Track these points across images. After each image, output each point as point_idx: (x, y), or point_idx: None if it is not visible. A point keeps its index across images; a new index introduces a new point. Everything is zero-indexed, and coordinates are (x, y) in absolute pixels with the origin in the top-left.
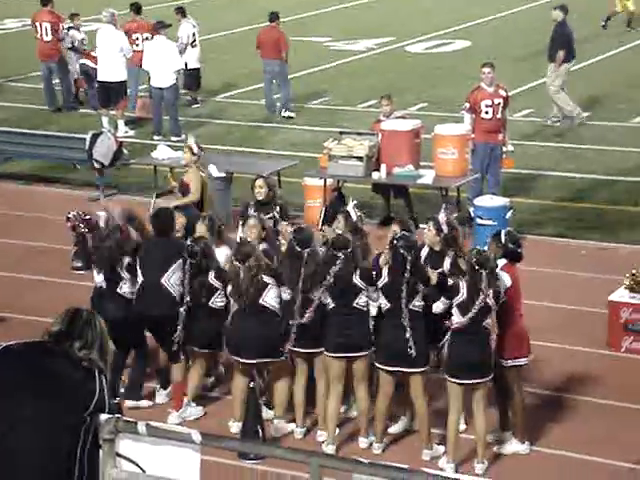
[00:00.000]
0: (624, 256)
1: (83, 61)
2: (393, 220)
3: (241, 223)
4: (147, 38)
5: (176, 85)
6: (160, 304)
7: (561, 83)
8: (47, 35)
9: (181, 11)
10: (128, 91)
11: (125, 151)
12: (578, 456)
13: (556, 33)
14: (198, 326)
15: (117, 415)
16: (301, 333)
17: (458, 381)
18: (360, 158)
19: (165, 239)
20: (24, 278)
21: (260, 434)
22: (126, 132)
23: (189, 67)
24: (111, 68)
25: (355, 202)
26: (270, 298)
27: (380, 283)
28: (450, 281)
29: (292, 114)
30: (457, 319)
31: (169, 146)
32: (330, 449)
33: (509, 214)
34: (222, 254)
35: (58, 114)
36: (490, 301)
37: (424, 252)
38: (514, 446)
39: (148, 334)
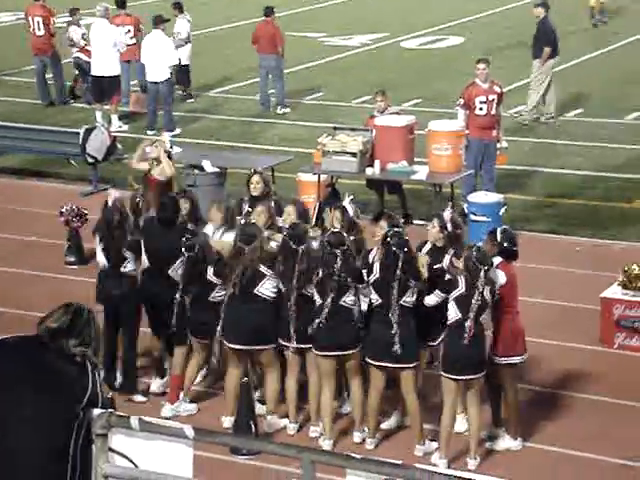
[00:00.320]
0: (617, 253)
1: (77, 55)
2: (381, 216)
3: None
4: (129, 31)
5: (171, 80)
6: (165, 289)
7: (546, 80)
8: (39, 29)
9: (178, 6)
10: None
11: (119, 146)
12: (571, 452)
13: (539, 30)
14: (199, 317)
15: (110, 410)
16: (294, 330)
17: (453, 377)
18: (354, 154)
19: (170, 235)
20: (17, 272)
21: (253, 430)
22: (120, 127)
23: (182, 63)
24: (104, 63)
25: (352, 197)
26: (265, 289)
27: (371, 279)
28: (447, 276)
29: (287, 110)
30: (454, 314)
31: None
32: (327, 444)
33: (502, 210)
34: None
35: (51, 108)
36: (487, 297)
37: (425, 248)
38: (507, 442)
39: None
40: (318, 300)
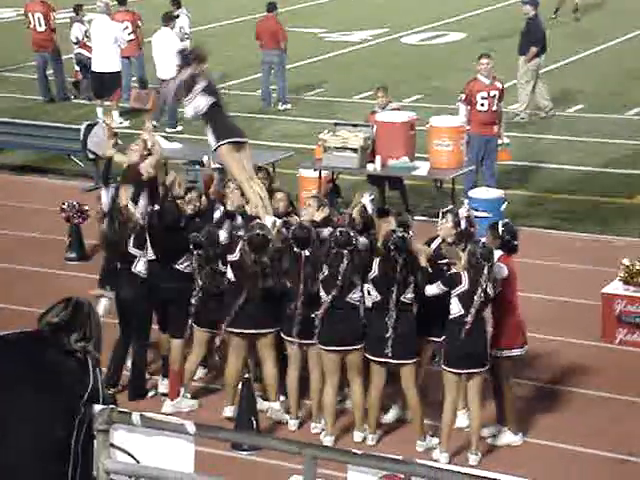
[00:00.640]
0: (618, 248)
1: (78, 50)
2: (390, 213)
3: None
4: (127, 27)
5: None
6: (171, 280)
7: (532, 78)
8: (40, 25)
9: (176, 2)
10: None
11: (119, 142)
12: (572, 447)
13: (528, 28)
14: (206, 306)
15: (111, 406)
16: (299, 324)
17: (455, 370)
18: (355, 150)
19: (176, 234)
20: (17, 269)
21: (254, 425)
22: (120, 122)
23: None
24: (105, 58)
25: (372, 196)
26: (269, 284)
27: (371, 275)
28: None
29: (288, 106)
30: (456, 310)
31: (164, 137)
32: (328, 440)
33: (504, 206)
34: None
35: (52, 105)
36: (490, 292)
37: (435, 244)
38: (507, 437)
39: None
40: (324, 297)
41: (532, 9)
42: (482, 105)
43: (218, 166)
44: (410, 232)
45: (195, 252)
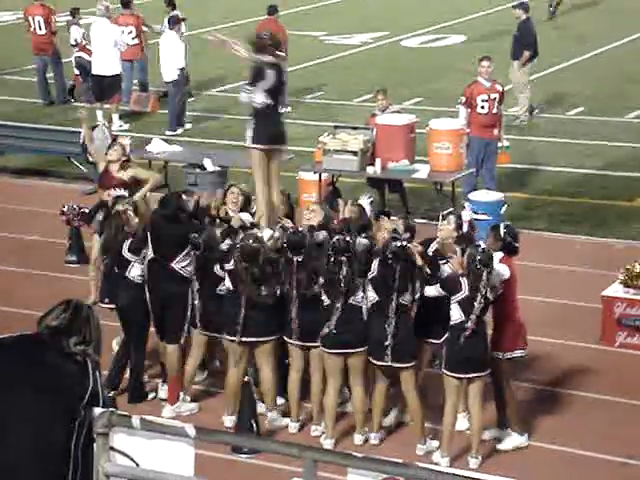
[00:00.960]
0: (618, 251)
1: (79, 54)
2: (389, 215)
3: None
4: (131, 31)
5: (178, 81)
6: (169, 282)
7: (527, 81)
8: (40, 29)
9: (171, 3)
10: (122, 85)
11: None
12: (572, 450)
13: (520, 31)
14: (205, 309)
15: (111, 409)
16: (298, 327)
17: (455, 375)
18: (355, 152)
19: (174, 229)
20: (17, 271)
21: (255, 429)
22: (121, 126)
23: None
24: (105, 62)
25: (371, 198)
26: (265, 291)
27: (369, 275)
28: (447, 270)
29: (288, 109)
30: (457, 316)
31: (164, 140)
32: (328, 443)
33: (504, 209)
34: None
35: (52, 108)
36: (490, 297)
37: (433, 246)
38: (514, 439)
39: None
40: (326, 300)
41: (523, 13)
42: (482, 108)
43: (218, 169)
44: (413, 238)
45: (193, 253)
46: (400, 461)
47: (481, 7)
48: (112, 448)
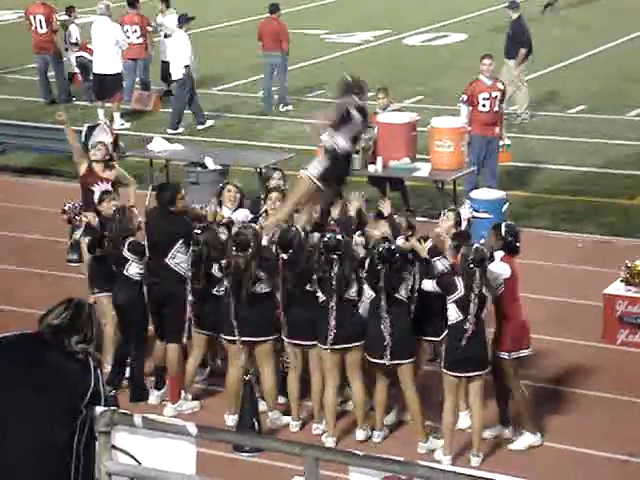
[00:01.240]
0: (619, 249)
1: (80, 54)
2: (384, 217)
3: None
4: (136, 31)
5: (183, 80)
6: (165, 282)
7: (524, 78)
8: (42, 28)
9: (165, 1)
10: (124, 84)
11: (121, 144)
12: (573, 448)
13: (513, 30)
14: (202, 308)
15: (113, 407)
16: (294, 325)
17: (455, 374)
18: (356, 151)
19: (168, 219)
20: (19, 270)
21: (256, 427)
22: (122, 124)
23: (167, 59)
24: (106, 60)
25: (365, 196)
26: (262, 288)
27: (363, 273)
28: (440, 266)
29: (290, 107)
30: (455, 316)
31: (166, 139)
32: (330, 441)
33: (505, 207)
34: (241, 215)
35: (53, 106)
36: (487, 295)
37: (429, 243)
38: (527, 438)
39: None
40: (321, 297)
41: (513, 12)
42: (484, 106)
43: (219, 167)
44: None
45: (192, 248)
46: (402, 459)
47: (482, 5)
48: (114, 447)
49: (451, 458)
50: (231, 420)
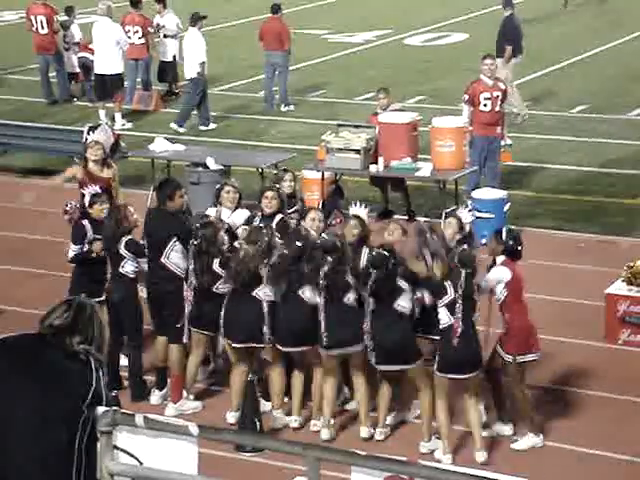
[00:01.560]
0: (622, 249)
1: (82, 54)
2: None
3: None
4: (137, 31)
5: (197, 79)
6: (162, 282)
7: (511, 78)
8: (43, 28)
9: (162, 1)
10: (125, 84)
11: (122, 144)
12: (575, 448)
13: (504, 27)
14: (201, 308)
15: (115, 407)
16: (290, 332)
17: (448, 376)
18: (357, 151)
19: (164, 218)
20: (21, 270)
21: (258, 427)
22: (123, 125)
23: (167, 59)
24: (107, 61)
25: (367, 207)
26: (263, 293)
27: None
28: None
29: (291, 107)
30: (446, 320)
31: (168, 137)
32: (325, 433)
33: (507, 207)
34: (241, 216)
35: (54, 107)
36: (476, 298)
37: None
38: (530, 439)
39: (147, 327)
40: (321, 302)
41: (505, 9)
42: (485, 106)
43: (220, 167)
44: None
45: (192, 242)
46: (404, 459)
47: (483, 5)
48: (116, 447)
49: (451, 457)
50: (232, 417)
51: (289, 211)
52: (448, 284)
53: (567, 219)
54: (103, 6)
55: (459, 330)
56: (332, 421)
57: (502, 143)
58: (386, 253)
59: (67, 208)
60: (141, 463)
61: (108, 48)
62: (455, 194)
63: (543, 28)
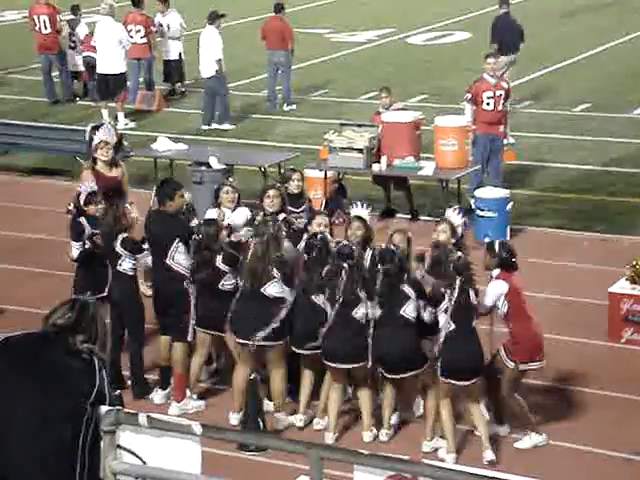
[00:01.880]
0: (625, 247)
1: (87, 53)
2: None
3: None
4: (139, 30)
5: (217, 76)
6: (168, 282)
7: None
8: (46, 28)
9: (165, 0)
10: (128, 83)
11: (125, 143)
12: (577, 446)
13: (498, 25)
14: (207, 307)
15: (118, 407)
16: (303, 338)
17: (450, 382)
18: (360, 150)
19: (165, 219)
20: (23, 270)
21: (261, 426)
22: (126, 124)
23: (172, 58)
24: (110, 60)
25: (368, 207)
26: (273, 290)
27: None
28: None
29: (293, 107)
30: (445, 325)
31: (175, 140)
32: (330, 437)
33: (509, 206)
34: (242, 214)
35: (57, 106)
36: (473, 302)
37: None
38: (533, 438)
39: (150, 325)
40: (331, 313)
41: (500, 7)
42: (488, 104)
43: (223, 167)
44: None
45: (193, 237)
46: (406, 458)
47: (486, 4)
48: (119, 446)
49: (454, 456)
50: (235, 418)
51: (298, 210)
52: (446, 292)
53: (570, 218)
54: (106, 5)
55: (451, 330)
56: (336, 423)
57: (505, 142)
58: (394, 249)
59: (70, 207)
60: (144, 462)
61: (110, 48)
62: (458, 193)
63: (546, 26)
